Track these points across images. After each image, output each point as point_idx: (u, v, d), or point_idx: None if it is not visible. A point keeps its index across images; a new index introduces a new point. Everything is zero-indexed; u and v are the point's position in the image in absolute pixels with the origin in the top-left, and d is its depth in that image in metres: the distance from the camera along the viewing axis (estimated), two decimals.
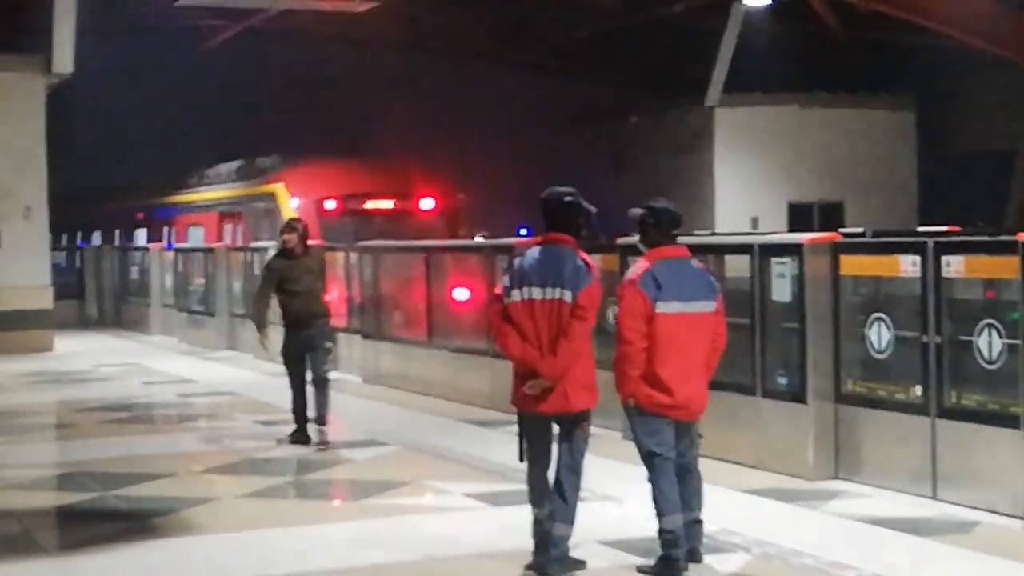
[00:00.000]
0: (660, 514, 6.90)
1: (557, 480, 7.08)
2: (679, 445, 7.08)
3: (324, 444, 11.13)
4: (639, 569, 7.06)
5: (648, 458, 6.96)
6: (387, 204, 22.30)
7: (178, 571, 7.52)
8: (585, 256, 7.09)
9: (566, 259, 7.01)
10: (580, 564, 7.23)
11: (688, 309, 7.06)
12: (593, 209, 7.30)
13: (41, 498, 9.92)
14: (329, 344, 11.53)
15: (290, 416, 11.90)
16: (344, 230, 19.63)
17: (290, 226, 11.53)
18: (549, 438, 7.21)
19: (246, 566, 7.48)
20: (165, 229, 28.47)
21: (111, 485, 10.04)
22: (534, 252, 7.16)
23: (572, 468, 7.10)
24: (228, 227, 25.15)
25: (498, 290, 7.28)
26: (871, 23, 25.84)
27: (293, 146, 27.59)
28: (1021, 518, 8.20)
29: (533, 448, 7.24)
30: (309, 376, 11.42)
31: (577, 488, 7.15)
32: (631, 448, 10.38)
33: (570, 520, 7.11)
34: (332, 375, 12.29)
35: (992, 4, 23.50)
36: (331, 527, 8.42)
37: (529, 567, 7.20)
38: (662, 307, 6.92)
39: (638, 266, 7.03)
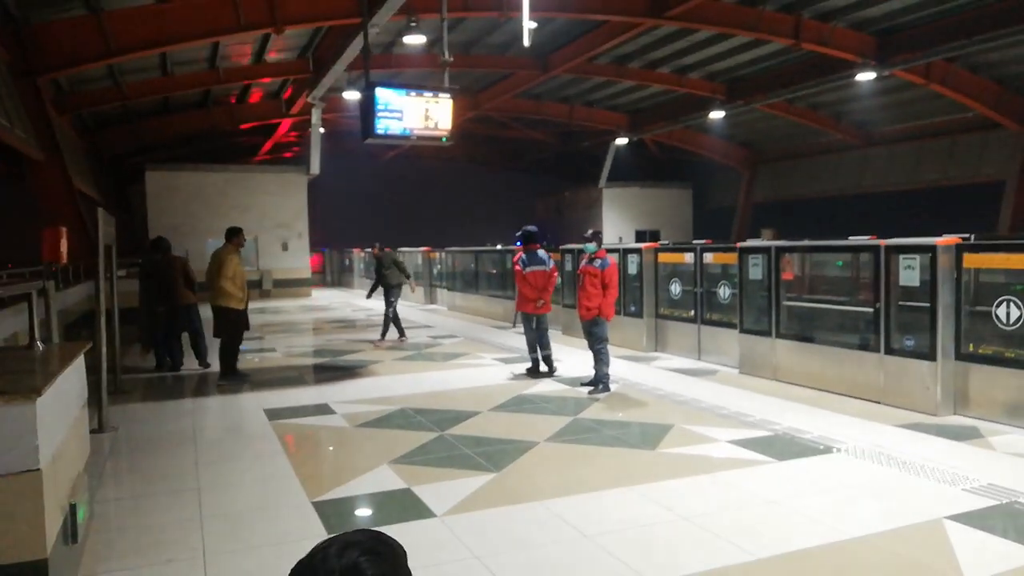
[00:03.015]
0: (607, 365, 9.34)
1: (542, 340, 10.44)
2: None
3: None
4: (591, 393, 9.21)
5: (603, 343, 9.37)
6: None
7: (368, 391, 9.73)
8: (545, 252, 10.31)
9: (539, 253, 10.28)
10: (552, 371, 10.30)
11: None
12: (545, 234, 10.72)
13: (305, 360, 12.82)
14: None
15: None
16: None
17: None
18: (532, 326, 10.63)
19: (399, 388, 9.91)
20: None
21: (336, 354, 13.34)
22: (528, 252, 10.13)
23: (545, 333, 10.45)
24: None
25: (518, 267, 10.22)
26: (673, 149, 38.90)
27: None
28: (736, 368, 10.78)
29: (527, 328, 10.53)
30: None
31: (548, 342, 10.52)
32: (564, 338, 14.22)
33: (548, 350, 10.45)
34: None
35: (724, 143, 36.43)
36: (432, 374, 11.07)
37: (529, 371, 10.26)
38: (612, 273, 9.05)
39: (607, 258, 9.24)
